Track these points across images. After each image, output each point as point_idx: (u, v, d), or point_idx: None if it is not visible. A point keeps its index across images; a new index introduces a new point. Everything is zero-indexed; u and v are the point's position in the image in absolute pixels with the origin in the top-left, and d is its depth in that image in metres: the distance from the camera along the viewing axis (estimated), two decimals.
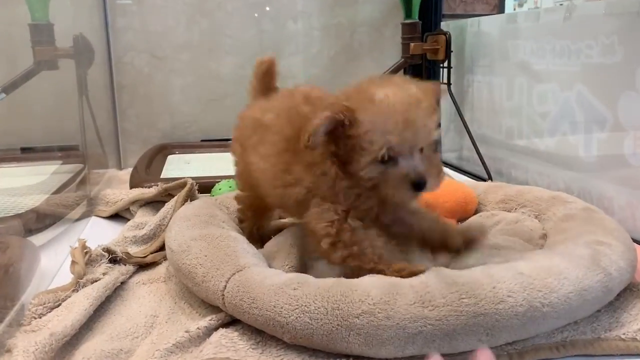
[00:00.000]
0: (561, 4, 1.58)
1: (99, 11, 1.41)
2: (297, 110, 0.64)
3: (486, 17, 1.28)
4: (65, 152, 1.33)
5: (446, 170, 1.37)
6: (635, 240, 0.81)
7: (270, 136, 0.67)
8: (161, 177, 1.18)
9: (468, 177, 1.32)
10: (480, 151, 1.24)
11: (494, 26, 1.24)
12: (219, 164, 1.37)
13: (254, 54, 1.54)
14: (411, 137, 0.57)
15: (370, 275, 0.58)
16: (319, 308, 0.52)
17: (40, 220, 0.94)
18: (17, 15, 1.24)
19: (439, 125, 0.62)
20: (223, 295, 0.57)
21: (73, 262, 0.68)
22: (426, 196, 0.81)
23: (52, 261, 0.81)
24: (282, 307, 0.53)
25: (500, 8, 1.58)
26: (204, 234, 0.68)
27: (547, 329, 0.55)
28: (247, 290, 0.56)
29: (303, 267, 0.69)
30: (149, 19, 1.47)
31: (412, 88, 0.59)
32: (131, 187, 1.09)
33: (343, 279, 0.56)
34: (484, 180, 1.24)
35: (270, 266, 0.67)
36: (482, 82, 1.32)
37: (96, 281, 0.66)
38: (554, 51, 1.02)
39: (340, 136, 0.58)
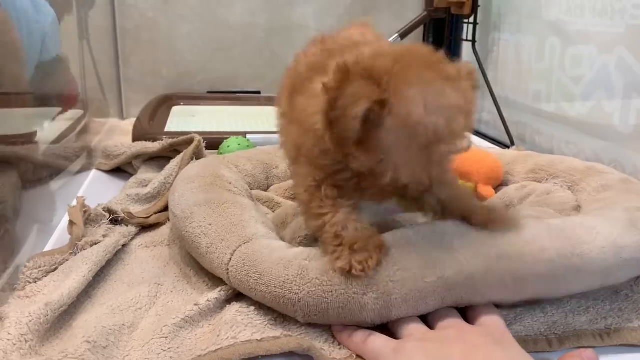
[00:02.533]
0: None
1: None
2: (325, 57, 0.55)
3: None
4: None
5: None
6: None
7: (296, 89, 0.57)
8: (165, 130, 1.12)
9: (489, 142, 1.26)
10: (504, 115, 1.18)
11: None
12: (226, 118, 1.30)
13: (266, 0, 1.46)
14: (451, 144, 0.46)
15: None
16: (332, 278, 0.48)
17: (37, 172, 0.88)
18: None
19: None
20: (228, 269, 0.52)
21: (71, 223, 0.63)
22: (460, 164, 0.77)
23: (50, 218, 0.76)
24: (292, 283, 0.48)
25: None
26: (209, 198, 0.62)
27: (581, 288, 0.52)
28: (253, 264, 0.51)
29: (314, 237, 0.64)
30: None
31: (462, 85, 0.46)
32: (134, 140, 1.03)
33: None
34: (506, 146, 1.18)
35: (280, 236, 0.62)
36: (509, 41, 1.23)
37: (96, 244, 0.61)
38: (594, 10, 0.94)
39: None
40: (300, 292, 0.48)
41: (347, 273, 0.47)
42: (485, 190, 0.76)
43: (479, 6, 1.22)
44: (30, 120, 0.91)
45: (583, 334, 0.50)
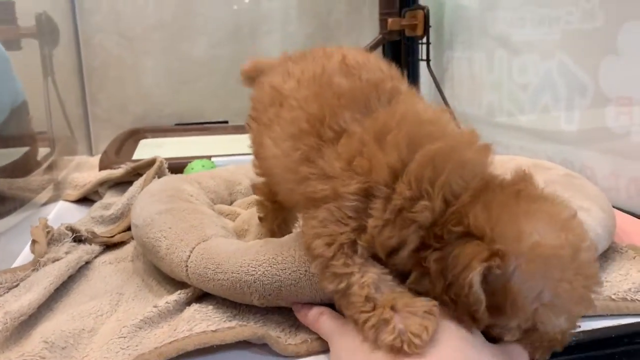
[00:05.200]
0: None
1: None
2: (329, 81, 0.49)
3: None
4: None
5: None
6: (620, 209, 0.80)
7: (288, 112, 0.50)
8: (132, 159, 1.13)
9: None
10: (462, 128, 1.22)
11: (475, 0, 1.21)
12: (194, 148, 1.33)
13: (228, 33, 1.51)
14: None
15: None
16: (286, 258, 0.50)
17: (2, 204, 0.89)
18: None
19: None
20: (187, 266, 0.54)
21: (34, 241, 0.64)
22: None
23: (14, 246, 0.77)
24: (248, 265, 0.50)
25: None
26: (170, 207, 0.64)
27: None
28: (211, 256, 0.53)
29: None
30: None
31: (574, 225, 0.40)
32: (100, 170, 1.04)
33: None
34: None
35: None
36: (461, 58, 1.29)
37: (58, 260, 0.62)
38: (533, 20, 1.00)
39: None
40: (256, 273, 0.49)
41: (398, 352, 0.38)
42: None
43: (430, 27, 1.28)
44: None
45: None
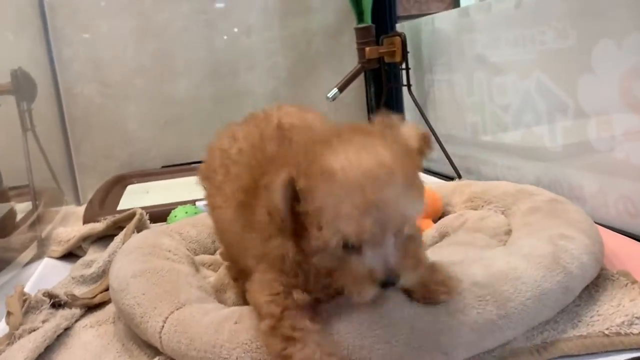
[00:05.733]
0: None
1: (41, 43, 1.36)
2: (263, 147, 0.52)
3: (439, 13, 1.26)
4: (16, 191, 1.26)
5: None
6: (609, 227, 0.78)
7: (233, 179, 0.54)
8: (118, 209, 1.12)
9: (438, 177, 1.29)
10: (448, 150, 1.21)
11: (448, 22, 1.21)
12: (181, 190, 1.31)
13: (208, 72, 1.50)
14: (378, 223, 0.41)
15: None
16: (260, 347, 0.47)
17: None
18: None
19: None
20: (160, 337, 0.52)
21: (9, 313, 0.62)
22: None
23: None
24: (222, 346, 0.48)
25: (455, 5, 1.56)
26: (145, 268, 0.62)
27: (505, 340, 0.51)
28: (184, 329, 0.51)
29: None
30: (95, 47, 1.42)
31: (381, 151, 0.42)
32: (84, 223, 1.03)
33: None
34: (453, 179, 1.21)
35: (220, 300, 0.62)
36: (442, 81, 1.29)
37: (34, 330, 0.60)
38: (508, 41, 1.00)
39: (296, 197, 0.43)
40: (230, 357, 0.47)
41: None
42: (423, 223, 0.77)
43: (408, 52, 1.27)
44: None
45: (520, 351, 0.51)
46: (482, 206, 0.78)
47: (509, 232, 0.68)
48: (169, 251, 0.68)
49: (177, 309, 0.55)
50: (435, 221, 0.80)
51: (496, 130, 1.10)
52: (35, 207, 1.15)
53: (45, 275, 0.91)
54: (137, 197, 1.24)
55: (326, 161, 0.42)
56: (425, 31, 1.31)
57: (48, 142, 1.29)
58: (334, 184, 0.41)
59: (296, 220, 0.44)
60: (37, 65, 1.32)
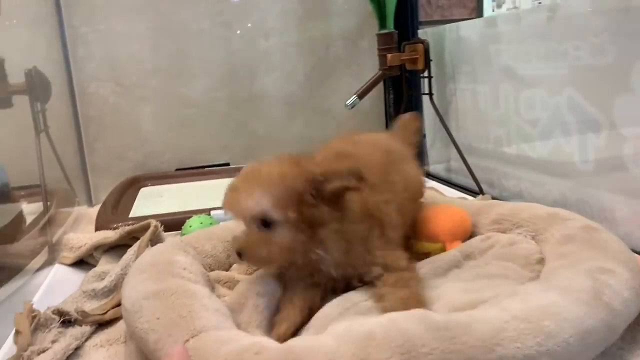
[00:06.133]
0: (540, 3, 1.53)
1: (57, 41, 1.34)
2: None
3: (465, 22, 1.22)
4: (27, 191, 1.24)
5: (435, 184, 1.30)
6: None
7: None
8: (130, 215, 1.10)
9: (457, 190, 1.25)
10: (469, 162, 1.18)
11: (474, 31, 1.18)
12: (195, 195, 1.29)
13: (225, 75, 1.48)
14: (232, 209, 0.60)
15: (334, 325, 0.50)
16: None
17: None
18: None
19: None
20: None
21: (17, 332, 0.60)
22: (425, 225, 0.76)
23: (4, 326, 0.73)
24: None
25: (478, 11, 1.52)
26: (159, 289, 0.59)
27: None
28: None
29: (272, 316, 0.62)
30: (111, 46, 1.40)
31: (264, 163, 0.60)
32: (97, 229, 1.00)
33: (309, 337, 0.48)
34: (475, 193, 1.17)
35: (235, 322, 0.60)
36: (465, 91, 1.25)
37: (44, 351, 0.58)
38: (538, 54, 0.96)
39: None
40: None
41: None
42: (453, 246, 0.74)
43: (431, 60, 1.24)
44: None
45: None
46: (511, 229, 0.74)
47: (541, 262, 0.65)
48: (184, 269, 0.66)
49: (192, 337, 0.52)
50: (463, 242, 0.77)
51: (521, 144, 1.07)
52: (46, 209, 1.13)
53: (55, 283, 0.89)
54: (150, 202, 1.22)
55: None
56: (449, 39, 1.28)
57: (61, 142, 1.27)
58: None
59: None
60: (52, 64, 1.30)
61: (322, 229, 0.60)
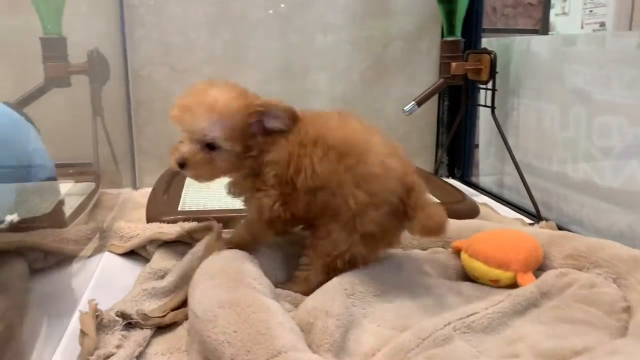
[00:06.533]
0: (591, 11, 1.47)
1: (115, 22, 1.32)
2: None
3: (538, 37, 1.18)
4: (77, 169, 1.24)
5: (487, 199, 1.27)
6: None
7: None
8: (179, 206, 1.08)
9: (510, 208, 1.22)
10: (526, 181, 1.14)
11: (548, 48, 1.13)
12: None
13: (279, 68, 1.45)
14: (182, 125, 0.68)
15: None
16: None
17: (47, 259, 0.85)
18: (29, 27, 1.15)
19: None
20: None
21: (82, 333, 0.59)
22: (496, 252, 0.73)
23: (60, 318, 0.72)
24: None
25: (544, 22, 1.47)
26: (233, 299, 0.58)
27: None
28: None
29: (343, 338, 0.60)
30: (168, 30, 1.38)
31: (217, 88, 0.68)
32: (148, 220, 0.99)
33: None
34: (531, 214, 1.14)
35: (307, 342, 0.58)
36: (529, 107, 1.21)
37: (109, 357, 0.57)
38: (622, 81, 0.91)
39: None
40: None
41: None
42: (526, 279, 0.71)
43: (497, 72, 1.20)
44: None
45: None
46: (588, 268, 0.71)
47: (627, 310, 0.61)
48: (254, 279, 0.64)
49: (272, 357, 0.50)
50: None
51: (588, 169, 1.02)
52: (95, 192, 1.12)
53: (107, 273, 0.88)
54: (199, 192, 1.20)
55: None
56: (517, 52, 1.23)
57: (111, 123, 1.26)
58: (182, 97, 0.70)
59: None
60: (110, 45, 1.29)
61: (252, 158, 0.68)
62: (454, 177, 1.49)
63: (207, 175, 0.70)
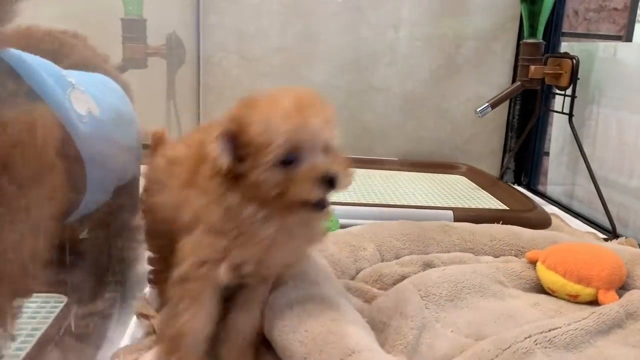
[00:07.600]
0: None
1: (191, 7, 1.34)
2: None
3: (626, 44, 1.12)
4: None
5: (556, 210, 1.22)
6: None
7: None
8: None
9: (580, 220, 1.16)
10: (603, 195, 1.08)
11: (637, 56, 1.07)
12: None
13: (348, 62, 1.44)
14: (311, 133, 0.50)
15: None
16: None
17: None
18: (111, 7, 1.18)
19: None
20: None
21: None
22: (577, 266, 0.69)
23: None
24: None
25: (629, 29, 1.40)
26: (303, 296, 0.57)
27: None
28: None
29: (417, 341, 0.58)
30: (242, 18, 1.39)
31: (301, 90, 0.54)
32: None
33: None
34: (605, 229, 1.09)
35: (379, 341, 0.56)
36: (609, 117, 1.15)
37: None
38: None
39: (236, 148, 0.50)
40: None
41: None
42: (608, 297, 0.67)
43: (578, 78, 1.15)
44: None
45: None
46: None
47: None
48: (323, 277, 0.63)
49: (347, 356, 0.49)
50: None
51: None
52: None
53: None
54: None
55: (259, 98, 0.51)
56: (600, 59, 1.17)
57: (181, 108, 1.29)
58: (272, 107, 0.50)
59: (237, 172, 0.50)
60: (185, 30, 1.31)
61: None
62: (519, 184, 1.44)
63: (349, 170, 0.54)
